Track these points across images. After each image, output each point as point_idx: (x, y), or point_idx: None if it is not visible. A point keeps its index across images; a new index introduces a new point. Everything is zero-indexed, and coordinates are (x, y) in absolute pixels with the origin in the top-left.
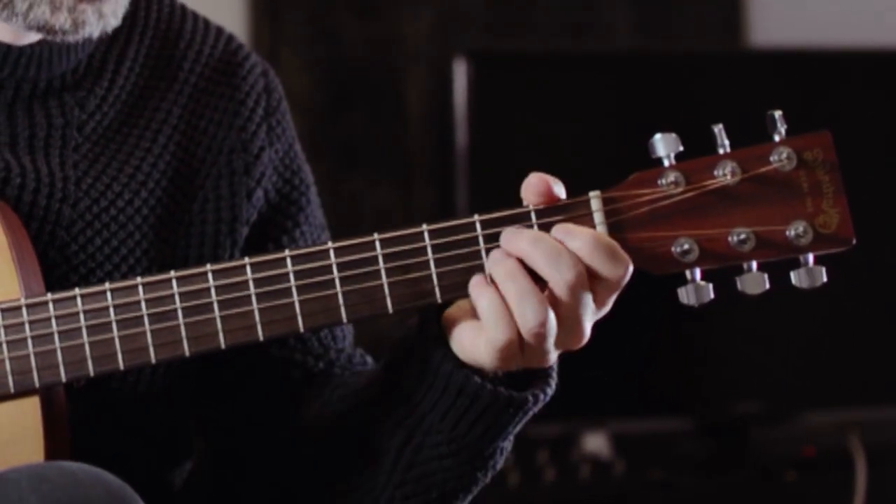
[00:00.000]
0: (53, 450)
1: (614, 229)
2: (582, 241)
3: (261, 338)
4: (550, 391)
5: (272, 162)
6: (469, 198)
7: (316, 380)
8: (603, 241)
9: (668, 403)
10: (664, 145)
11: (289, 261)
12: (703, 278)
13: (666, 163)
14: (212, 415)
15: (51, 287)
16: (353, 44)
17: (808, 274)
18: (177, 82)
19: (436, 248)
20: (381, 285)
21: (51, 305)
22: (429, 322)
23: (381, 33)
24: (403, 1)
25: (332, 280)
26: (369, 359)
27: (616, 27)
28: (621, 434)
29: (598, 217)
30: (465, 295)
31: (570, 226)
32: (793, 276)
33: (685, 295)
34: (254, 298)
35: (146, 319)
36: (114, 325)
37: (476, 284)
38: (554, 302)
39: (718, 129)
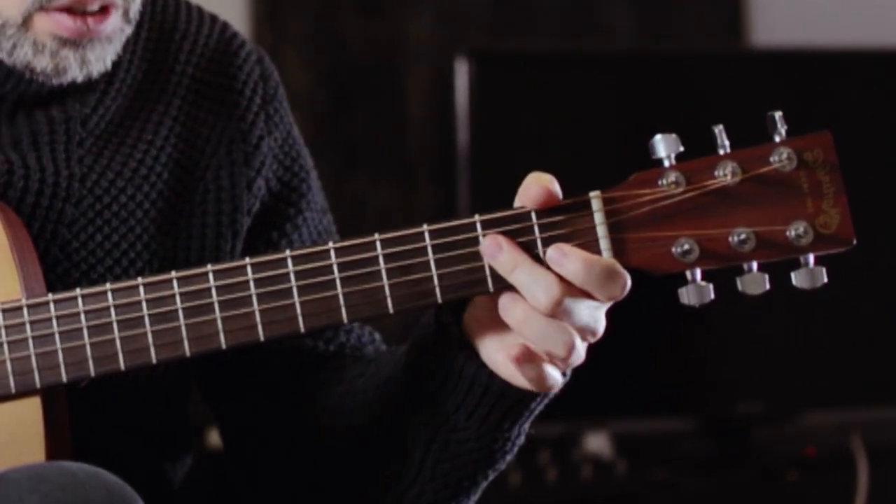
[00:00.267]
0: (54, 450)
1: (614, 229)
2: (578, 265)
3: (261, 338)
4: (568, 374)
5: (272, 150)
6: (470, 197)
7: (328, 363)
8: (598, 265)
9: (669, 403)
10: (665, 146)
11: (289, 261)
12: (703, 279)
13: (666, 163)
14: (228, 412)
15: (52, 284)
16: (354, 43)
17: (809, 274)
18: (174, 74)
19: (436, 249)
20: (382, 286)
21: (52, 306)
22: (447, 324)
23: (382, 33)
24: (405, 0)
25: (333, 280)
26: (377, 335)
27: (617, 27)
28: (623, 434)
29: (598, 217)
30: (466, 296)
31: (565, 247)
32: (793, 276)
33: (686, 295)
34: (254, 299)
35: (147, 320)
36: (115, 326)
37: (516, 358)
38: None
39: (719, 129)
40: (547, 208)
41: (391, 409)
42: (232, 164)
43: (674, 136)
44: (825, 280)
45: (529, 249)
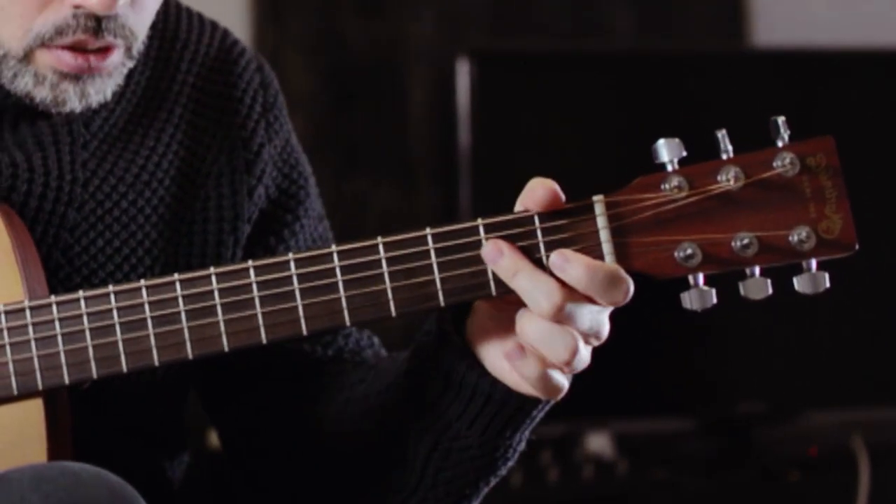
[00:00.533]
0: (56, 451)
1: (617, 234)
2: (581, 270)
3: (264, 341)
4: (570, 378)
5: (271, 158)
6: (472, 198)
7: (327, 369)
8: (601, 270)
9: (671, 403)
10: (667, 150)
11: (292, 264)
12: (706, 283)
13: (669, 167)
14: (225, 416)
15: (54, 289)
16: (355, 44)
17: (811, 279)
18: (176, 82)
19: (439, 252)
20: (385, 289)
21: (54, 308)
22: (449, 332)
23: (384, 33)
24: (406, 1)
25: (336, 283)
26: (376, 340)
27: (618, 27)
28: (624, 434)
29: (601, 221)
30: (469, 299)
31: (568, 253)
32: (796, 281)
33: (688, 300)
34: (257, 301)
35: (149, 322)
36: (117, 328)
37: (513, 355)
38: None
39: (721, 134)
40: (549, 212)
41: (392, 417)
42: (233, 172)
43: (677, 140)
44: (827, 285)
45: (532, 253)
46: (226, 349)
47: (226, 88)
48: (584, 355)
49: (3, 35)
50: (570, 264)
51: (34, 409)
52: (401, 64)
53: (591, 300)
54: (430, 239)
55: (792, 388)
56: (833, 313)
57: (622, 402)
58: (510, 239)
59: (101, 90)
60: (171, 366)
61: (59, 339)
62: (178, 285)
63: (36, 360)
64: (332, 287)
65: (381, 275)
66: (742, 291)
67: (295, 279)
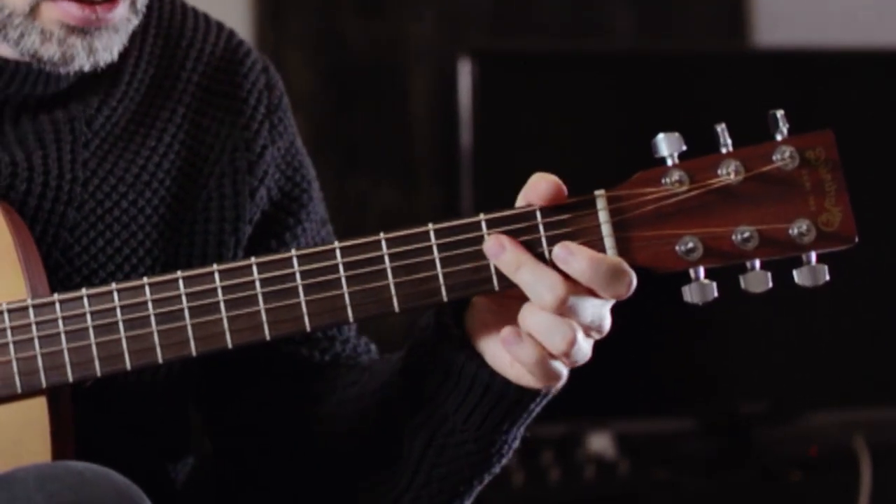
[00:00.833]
0: (60, 449)
1: (619, 228)
2: (584, 263)
3: (267, 337)
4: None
5: (275, 160)
6: (474, 197)
7: (324, 373)
8: (604, 263)
9: (672, 403)
10: (667, 144)
11: (295, 260)
12: (706, 277)
13: (669, 162)
14: (219, 415)
15: (53, 289)
16: (357, 44)
17: (811, 272)
18: (180, 81)
19: (441, 248)
20: (388, 285)
21: (58, 306)
22: (447, 325)
23: (385, 33)
24: (407, 1)
25: (339, 280)
26: (373, 347)
27: (619, 27)
28: (626, 434)
29: (602, 216)
30: (471, 294)
31: (572, 246)
32: (796, 274)
33: (689, 293)
34: (260, 298)
35: (153, 320)
36: (121, 326)
37: (510, 340)
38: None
39: (721, 128)
40: (551, 207)
41: (387, 414)
42: (235, 173)
43: (676, 134)
44: (827, 278)
45: (534, 248)
46: (229, 346)
47: (230, 88)
48: (585, 348)
49: None
50: (573, 257)
51: (38, 408)
52: (402, 64)
53: (593, 293)
54: (432, 235)
55: (793, 389)
56: (834, 313)
57: (623, 403)
58: (512, 234)
59: (109, 46)
60: (174, 364)
61: (63, 337)
62: (181, 283)
63: (39, 359)
64: (335, 283)
65: (384, 271)
66: (743, 285)
67: (298, 276)
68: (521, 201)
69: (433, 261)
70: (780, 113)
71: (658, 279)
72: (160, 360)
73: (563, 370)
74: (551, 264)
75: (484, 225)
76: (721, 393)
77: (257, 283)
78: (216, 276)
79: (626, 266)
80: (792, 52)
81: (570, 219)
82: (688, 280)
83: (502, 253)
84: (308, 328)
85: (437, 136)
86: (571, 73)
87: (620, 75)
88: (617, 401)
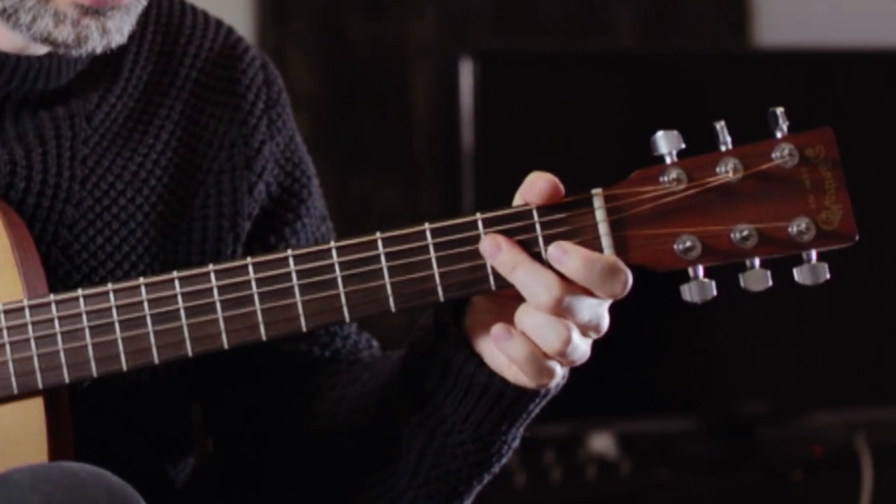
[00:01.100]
0: (57, 450)
1: (616, 227)
2: (579, 262)
3: (264, 338)
4: (567, 372)
5: (273, 155)
6: (475, 197)
7: (323, 369)
8: (599, 262)
9: (674, 403)
10: (666, 142)
11: (291, 260)
12: (705, 275)
13: (668, 160)
14: (218, 411)
15: (54, 287)
16: (359, 44)
17: (811, 270)
18: (179, 78)
19: (438, 247)
20: (384, 284)
21: (54, 306)
22: (446, 325)
23: (387, 33)
24: (410, 1)
25: (335, 279)
26: (375, 343)
27: (621, 27)
28: (628, 434)
29: (599, 214)
30: (468, 294)
31: (566, 245)
32: (796, 272)
33: (688, 292)
34: (256, 298)
35: (149, 320)
36: (117, 326)
37: (501, 337)
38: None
39: (720, 125)
40: (548, 206)
41: (386, 413)
42: (233, 169)
43: (675, 132)
44: (827, 276)
45: (530, 247)
46: (225, 346)
47: (228, 85)
48: (583, 348)
49: None
50: (567, 256)
51: (34, 409)
52: (403, 63)
53: (589, 293)
54: (428, 234)
55: (795, 388)
56: (836, 313)
57: (626, 403)
58: (509, 233)
59: (120, 28)
60: (171, 364)
61: (59, 337)
62: (177, 283)
63: (36, 360)
64: (332, 283)
65: (381, 270)
66: (742, 283)
67: (294, 275)
68: (518, 200)
69: (429, 260)
70: (779, 110)
71: (657, 278)
72: (156, 361)
73: (557, 368)
74: (548, 264)
75: (480, 224)
76: (723, 393)
77: (253, 283)
78: (212, 276)
79: (621, 265)
80: (794, 52)
81: (566, 218)
82: (687, 279)
83: (498, 253)
84: (304, 328)
85: (438, 135)
86: (573, 73)
87: (622, 75)
88: (619, 401)
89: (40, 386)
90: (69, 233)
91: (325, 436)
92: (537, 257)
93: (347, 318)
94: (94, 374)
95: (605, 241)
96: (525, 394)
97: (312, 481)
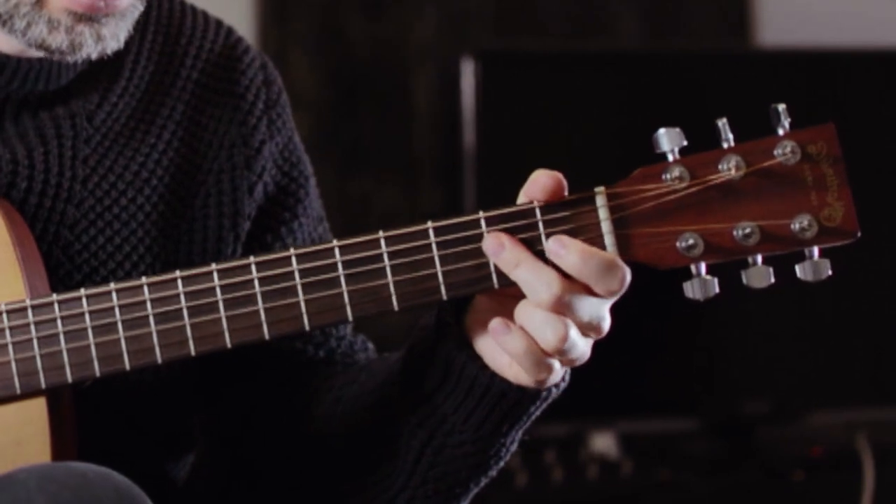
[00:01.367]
0: (60, 450)
1: (619, 225)
2: (576, 256)
3: (266, 337)
4: (568, 375)
5: (272, 155)
6: (476, 198)
7: (318, 369)
8: (596, 257)
9: (675, 403)
10: (668, 140)
11: (294, 259)
12: (708, 273)
13: (670, 157)
14: (214, 410)
15: (55, 287)
16: (360, 44)
17: (814, 267)
18: (179, 78)
19: (441, 246)
20: (387, 283)
21: (56, 306)
22: (448, 325)
23: (388, 33)
24: (411, 1)
25: (338, 278)
26: (370, 345)
27: (623, 27)
28: (629, 434)
29: (602, 213)
30: (471, 292)
31: (565, 239)
32: (798, 269)
33: (690, 289)
34: (259, 297)
35: (152, 319)
36: (119, 326)
37: (499, 331)
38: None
39: (722, 122)
40: (551, 204)
41: (386, 412)
42: (233, 169)
43: (677, 130)
44: (829, 272)
45: (533, 245)
46: (228, 345)
47: (228, 85)
48: (582, 348)
49: None
50: (566, 250)
51: (37, 409)
52: (405, 63)
53: (590, 291)
54: (431, 232)
55: (796, 388)
56: (837, 313)
57: (627, 403)
58: (512, 231)
59: (115, 34)
60: (174, 364)
61: (62, 337)
62: (179, 282)
63: (38, 359)
64: (334, 282)
65: (383, 269)
66: (744, 280)
67: (296, 274)
68: (522, 198)
69: (432, 259)
70: (781, 107)
71: (659, 276)
72: (159, 361)
73: (556, 365)
74: (551, 262)
75: (483, 223)
76: (724, 393)
77: (256, 283)
78: (214, 275)
79: (619, 262)
80: (797, 53)
81: (569, 216)
82: (689, 276)
83: (501, 251)
84: (307, 327)
85: (439, 135)
86: (574, 73)
87: (623, 75)
88: (620, 401)
89: (43, 386)
90: (70, 233)
91: (322, 436)
92: (540, 255)
93: (350, 317)
94: (97, 373)
95: (608, 238)
96: (526, 395)
97: (310, 481)
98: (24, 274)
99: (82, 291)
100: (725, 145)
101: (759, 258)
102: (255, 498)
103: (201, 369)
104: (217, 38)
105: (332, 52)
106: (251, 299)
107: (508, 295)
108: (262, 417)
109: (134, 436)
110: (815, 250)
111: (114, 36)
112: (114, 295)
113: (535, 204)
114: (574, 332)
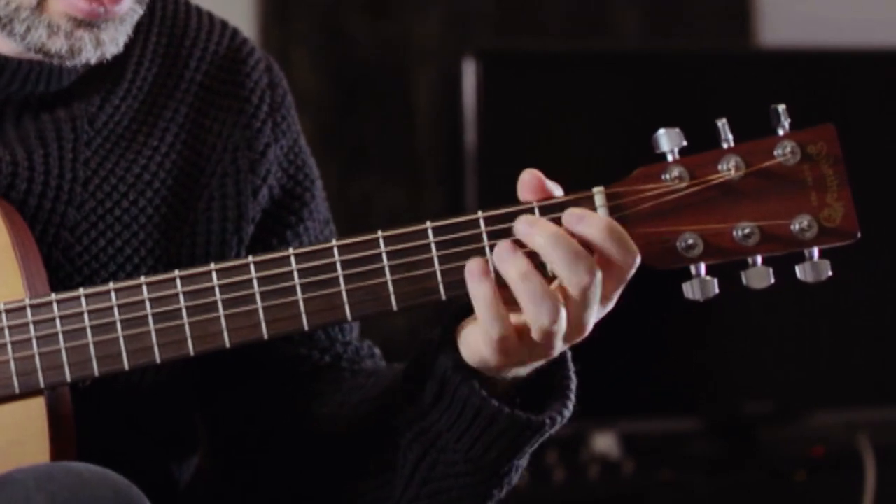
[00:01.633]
0: (59, 450)
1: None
2: (595, 227)
3: (265, 336)
4: (568, 413)
5: (277, 158)
6: (478, 198)
7: (323, 374)
8: (616, 228)
9: (677, 403)
10: (668, 140)
11: (293, 259)
12: (707, 273)
13: (670, 157)
14: (218, 414)
15: (54, 289)
16: (362, 44)
17: (813, 268)
18: (183, 80)
19: (440, 245)
20: (386, 283)
21: (55, 306)
22: (448, 342)
23: (390, 33)
24: (413, 1)
25: (336, 278)
26: (377, 350)
27: (625, 27)
28: (630, 434)
29: (601, 212)
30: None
31: (581, 211)
32: (798, 270)
33: (690, 290)
34: (258, 297)
35: (150, 319)
36: (118, 325)
37: (475, 273)
38: (563, 298)
39: (722, 123)
40: (551, 203)
41: (386, 422)
42: (238, 172)
43: (677, 130)
44: (829, 273)
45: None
46: (227, 345)
47: (233, 87)
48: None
49: None
50: (584, 222)
51: (36, 408)
52: (406, 64)
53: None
54: (430, 232)
55: (798, 388)
56: (838, 313)
57: (628, 402)
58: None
59: (115, 39)
60: (174, 364)
61: (61, 336)
62: (178, 282)
63: (37, 359)
64: (333, 282)
65: (382, 269)
66: (744, 281)
67: (295, 274)
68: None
69: (431, 258)
70: (781, 107)
71: (659, 276)
72: (158, 360)
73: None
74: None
75: (482, 223)
76: (726, 393)
77: (255, 282)
78: (213, 275)
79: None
80: (799, 52)
81: None
82: (688, 277)
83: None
84: (306, 327)
85: (441, 135)
86: (576, 73)
87: (624, 75)
88: (622, 401)
89: (42, 385)
90: (70, 235)
91: (324, 439)
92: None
93: (349, 317)
94: (96, 373)
95: None
96: (517, 422)
97: (311, 483)
98: (24, 274)
99: (81, 291)
100: (725, 145)
101: (759, 259)
102: (255, 498)
103: (207, 373)
104: (222, 39)
105: (333, 52)
106: (250, 299)
107: (505, 301)
108: (265, 419)
109: (134, 436)
110: (815, 251)
111: (113, 41)
112: (112, 294)
113: (534, 204)
114: (563, 313)
